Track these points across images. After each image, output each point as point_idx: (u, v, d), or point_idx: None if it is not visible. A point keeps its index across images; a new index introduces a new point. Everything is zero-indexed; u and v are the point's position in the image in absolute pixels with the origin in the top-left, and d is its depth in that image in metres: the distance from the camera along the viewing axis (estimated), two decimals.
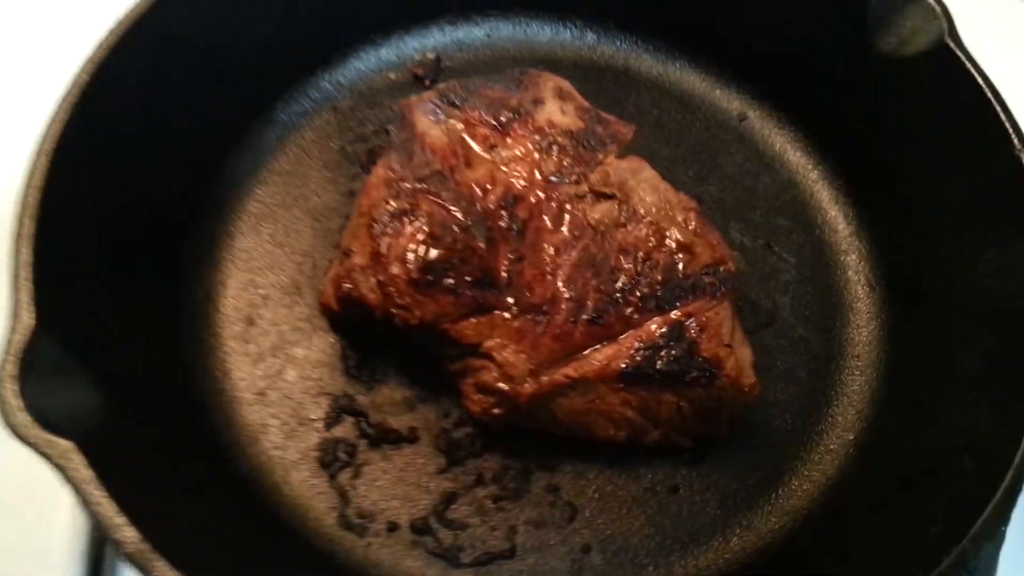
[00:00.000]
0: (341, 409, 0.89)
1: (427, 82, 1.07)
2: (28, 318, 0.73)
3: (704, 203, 1.01)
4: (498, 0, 1.08)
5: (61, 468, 0.68)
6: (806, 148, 1.06)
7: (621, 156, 0.93)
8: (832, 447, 0.90)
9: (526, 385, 0.83)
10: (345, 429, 0.89)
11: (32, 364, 0.71)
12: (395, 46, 1.07)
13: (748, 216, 1.02)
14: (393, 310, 0.86)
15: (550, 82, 0.97)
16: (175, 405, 0.86)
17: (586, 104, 0.96)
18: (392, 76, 1.08)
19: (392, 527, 0.84)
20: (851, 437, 0.90)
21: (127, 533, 0.67)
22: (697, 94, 1.09)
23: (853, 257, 1.00)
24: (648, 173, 0.92)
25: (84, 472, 0.67)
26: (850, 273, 0.99)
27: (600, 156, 0.92)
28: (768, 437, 0.90)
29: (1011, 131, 0.86)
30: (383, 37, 1.07)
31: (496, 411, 0.85)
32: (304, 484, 0.86)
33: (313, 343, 0.92)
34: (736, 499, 0.87)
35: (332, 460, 0.87)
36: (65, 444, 0.68)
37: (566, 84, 0.98)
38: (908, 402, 0.90)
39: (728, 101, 1.09)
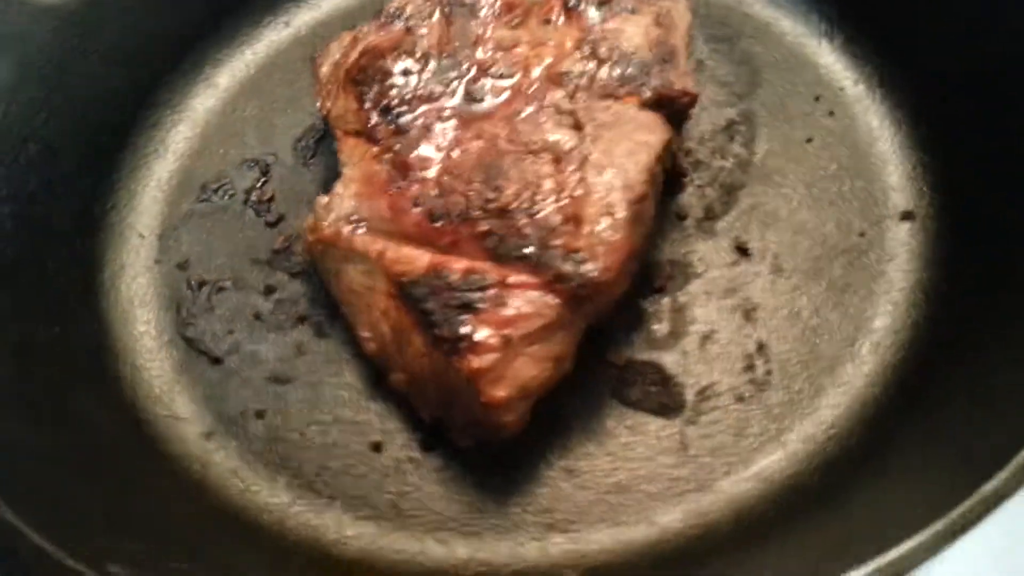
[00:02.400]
0: (259, 164, 0.86)
1: None
2: None
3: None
4: None
5: None
6: None
7: (647, 107, 0.72)
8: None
9: (327, 226, 0.72)
10: (242, 179, 0.86)
11: None
12: None
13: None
14: (324, 91, 0.80)
15: (667, 2, 0.78)
16: None
17: (675, 43, 0.76)
18: None
19: (183, 265, 0.81)
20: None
21: None
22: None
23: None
24: (643, 138, 0.70)
25: None
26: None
27: (621, 92, 0.73)
28: (510, 498, 0.67)
29: None
30: None
31: (309, 237, 0.75)
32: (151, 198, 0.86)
33: (289, 101, 0.90)
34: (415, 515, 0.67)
35: (210, 193, 0.85)
36: None
37: (683, 14, 0.77)
38: None
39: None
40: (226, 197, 0.85)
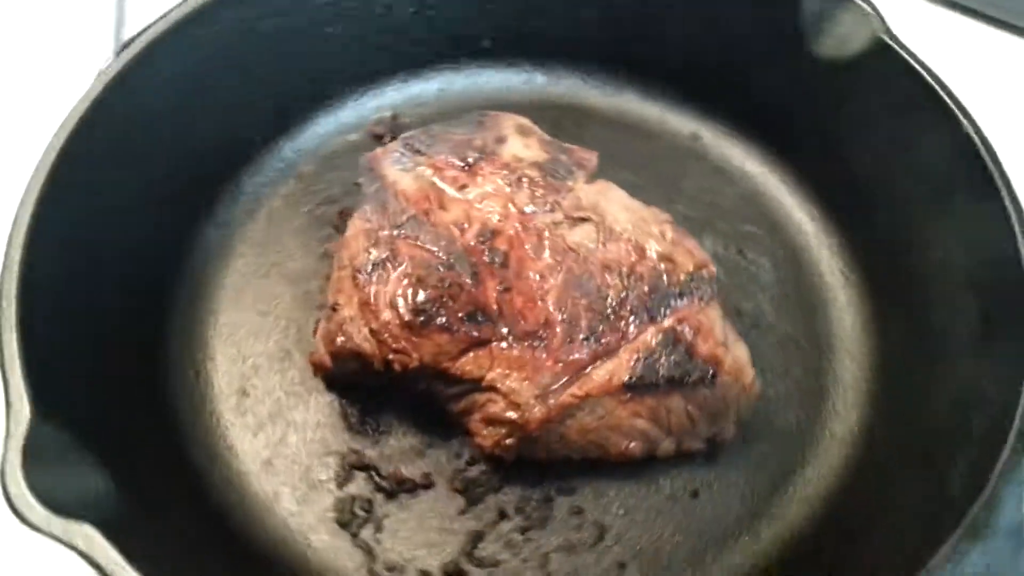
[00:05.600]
0: (351, 465, 0.88)
1: (386, 140, 1.08)
2: (25, 408, 0.72)
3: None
4: (447, 54, 1.11)
5: (86, 555, 0.65)
6: (762, 157, 1.09)
7: (589, 181, 0.95)
8: (837, 434, 0.91)
9: (536, 410, 0.83)
10: (358, 485, 0.87)
11: (37, 454, 0.70)
12: (352, 108, 1.10)
13: (718, 227, 1.05)
14: (391, 356, 0.85)
15: (509, 120, 1.00)
16: (184, 485, 0.84)
17: (547, 137, 0.99)
18: (352, 138, 1.09)
19: (424, 575, 0.83)
20: (853, 420, 0.92)
21: None
22: (650, 120, 1.13)
23: (824, 253, 1.03)
24: (616, 193, 0.94)
25: (112, 554, 0.65)
26: (823, 267, 1.02)
27: (569, 183, 0.94)
28: (774, 433, 0.91)
29: (957, 111, 0.90)
30: (339, 100, 1.09)
31: (508, 442, 0.85)
32: (327, 546, 0.84)
33: (311, 405, 0.91)
34: (756, 495, 0.88)
35: (351, 518, 0.85)
36: (87, 530, 0.66)
37: (525, 121, 1.00)
38: (904, 379, 0.91)
39: (681, 123, 1.12)
40: (367, 509, 0.86)
